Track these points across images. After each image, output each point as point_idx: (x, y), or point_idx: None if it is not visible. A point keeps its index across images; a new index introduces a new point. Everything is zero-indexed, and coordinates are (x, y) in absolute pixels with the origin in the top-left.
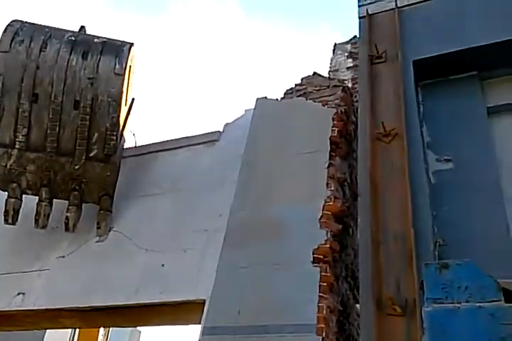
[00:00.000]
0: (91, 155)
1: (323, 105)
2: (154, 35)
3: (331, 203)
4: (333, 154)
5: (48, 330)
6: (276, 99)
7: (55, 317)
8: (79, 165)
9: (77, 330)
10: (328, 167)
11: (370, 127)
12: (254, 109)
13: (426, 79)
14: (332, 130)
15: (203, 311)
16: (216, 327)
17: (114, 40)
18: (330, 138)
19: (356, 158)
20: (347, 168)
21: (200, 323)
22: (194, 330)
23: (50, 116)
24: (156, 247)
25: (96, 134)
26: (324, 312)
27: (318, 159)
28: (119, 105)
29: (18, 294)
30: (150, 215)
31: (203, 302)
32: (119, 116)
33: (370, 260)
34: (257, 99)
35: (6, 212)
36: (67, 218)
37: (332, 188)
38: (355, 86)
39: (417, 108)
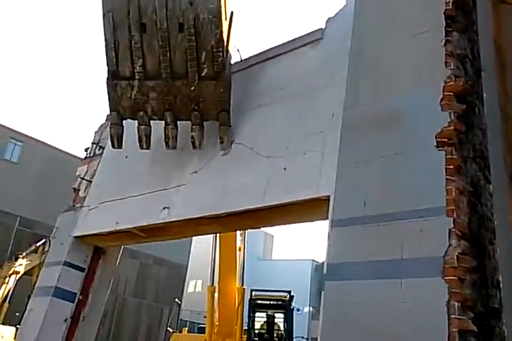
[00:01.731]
0: (202, 74)
1: None
2: None
3: (451, 83)
4: (450, 29)
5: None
6: None
7: (196, 226)
8: (193, 86)
9: (218, 239)
10: (445, 44)
11: None
12: None
13: None
14: (446, 3)
15: (328, 206)
16: (343, 219)
17: None
18: (444, 13)
19: (477, 31)
20: (467, 42)
21: (326, 219)
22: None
23: (160, 43)
24: (277, 153)
25: (204, 53)
26: (453, 194)
27: (433, 38)
28: (220, 20)
29: (164, 208)
30: (266, 124)
31: (328, 199)
32: (222, 32)
33: (501, 137)
34: None
35: (140, 138)
36: (192, 137)
37: (452, 67)
38: None
39: None
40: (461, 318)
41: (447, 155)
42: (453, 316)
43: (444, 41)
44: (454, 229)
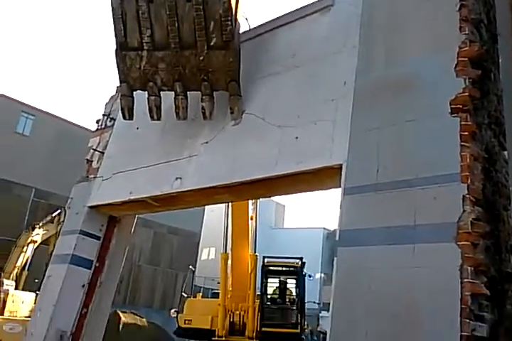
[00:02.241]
0: (211, 44)
1: None
2: None
3: (466, 48)
4: None
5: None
6: None
7: (209, 195)
8: (202, 56)
9: (230, 208)
10: (460, 9)
11: None
12: None
13: None
14: None
15: (340, 175)
16: (356, 186)
17: None
18: None
19: None
20: (482, 7)
21: (338, 187)
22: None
23: (167, 12)
24: (288, 123)
25: (212, 23)
26: (468, 160)
27: (447, 3)
28: None
29: (176, 179)
30: (276, 93)
31: (340, 167)
32: (229, 1)
33: None
34: None
35: (150, 109)
36: (203, 108)
37: (466, 32)
38: None
39: None
40: (474, 282)
41: (462, 121)
42: (466, 280)
43: (458, 5)
44: (468, 195)
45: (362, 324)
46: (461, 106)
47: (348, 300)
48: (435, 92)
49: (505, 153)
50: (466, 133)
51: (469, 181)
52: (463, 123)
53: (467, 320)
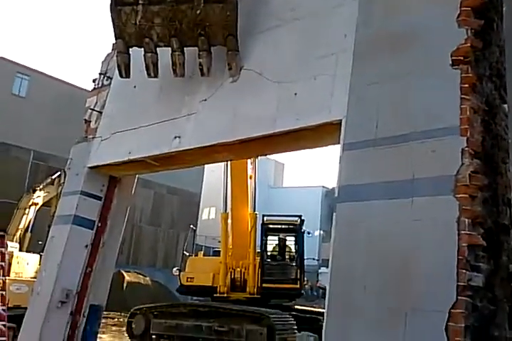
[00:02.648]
0: None
1: None
2: None
3: None
4: None
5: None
6: None
7: (208, 153)
8: (199, 10)
9: (229, 167)
10: None
11: None
12: None
13: None
14: None
15: (340, 131)
16: (355, 142)
17: None
18: None
19: None
20: None
21: (337, 143)
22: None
23: None
24: (287, 78)
25: None
26: (468, 113)
27: None
28: None
29: (175, 137)
30: (275, 48)
31: (339, 123)
32: None
33: None
34: None
35: (147, 66)
36: (200, 64)
37: None
38: None
39: None
40: (471, 234)
41: (462, 73)
42: (463, 232)
43: None
44: (467, 148)
45: (361, 277)
46: (462, 58)
47: (347, 254)
48: (436, 44)
49: (505, 106)
50: (466, 85)
51: (469, 134)
52: (463, 75)
53: (463, 271)
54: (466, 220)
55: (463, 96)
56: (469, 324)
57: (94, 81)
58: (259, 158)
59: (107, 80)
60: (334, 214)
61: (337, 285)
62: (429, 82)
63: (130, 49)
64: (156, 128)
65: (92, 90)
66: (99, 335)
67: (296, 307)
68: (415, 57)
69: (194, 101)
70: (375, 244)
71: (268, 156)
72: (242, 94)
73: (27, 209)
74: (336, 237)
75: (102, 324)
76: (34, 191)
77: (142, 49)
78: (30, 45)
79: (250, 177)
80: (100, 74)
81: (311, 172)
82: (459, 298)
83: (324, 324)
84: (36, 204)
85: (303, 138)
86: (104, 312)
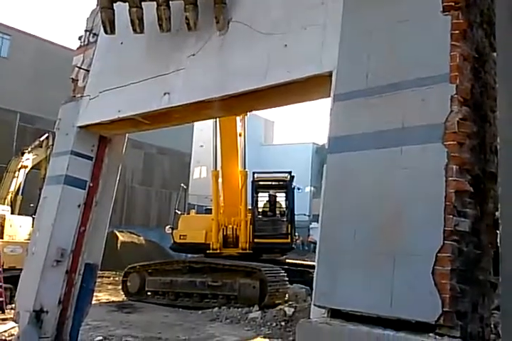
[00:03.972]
0: None
1: None
2: None
3: None
4: None
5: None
6: None
7: (198, 110)
8: None
9: (218, 125)
10: None
11: None
12: None
13: None
14: None
15: (330, 83)
16: (346, 92)
17: None
18: None
19: None
20: None
21: (328, 96)
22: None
23: None
24: (276, 30)
25: None
26: (457, 60)
27: None
28: None
29: (164, 94)
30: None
31: (330, 74)
32: None
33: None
34: None
35: (132, 21)
36: (186, 18)
37: None
38: None
39: None
40: (459, 180)
41: (453, 19)
42: (451, 178)
43: None
44: (456, 96)
45: (351, 225)
46: (453, 4)
47: (338, 203)
48: None
49: (495, 54)
50: (456, 31)
51: (458, 81)
52: (454, 21)
53: (451, 216)
54: (454, 167)
55: (453, 43)
56: (455, 267)
57: (80, 38)
58: (248, 115)
59: (93, 37)
60: (325, 165)
61: (328, 232)
62: (419, 30)
63: (114, 4)
64: (144, 86)
65: (78, 48)
66: (95, 294)
67: (287, 261)
68: (406, 4)
69: (182, 56)
70: (365, 191)
71: (258, 114)
72: (231, 48)
73: (16, 172)
74: (326, 187)
75: (97, 283)
76: (22, 154)
77: (127, 4)
78: (9, 3)
79: (240, 135)
80: (86, 31)
81: (301, 129)
82: (446, 242)
83: (315, 271)
84: (25, 167)
85: (293, 92)
86: (100, 272)
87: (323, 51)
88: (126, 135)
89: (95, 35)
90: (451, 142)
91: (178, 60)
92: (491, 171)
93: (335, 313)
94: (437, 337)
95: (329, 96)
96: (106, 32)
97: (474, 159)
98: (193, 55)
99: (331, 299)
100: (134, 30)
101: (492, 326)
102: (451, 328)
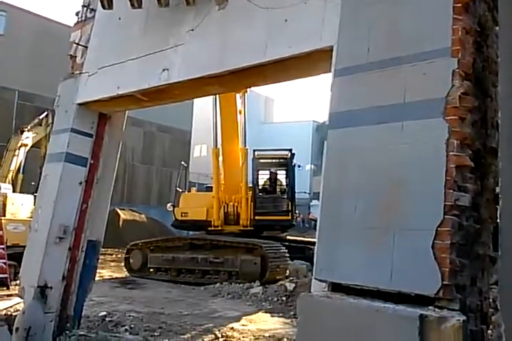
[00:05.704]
0: None
1: None
2: None
3: None
4: None
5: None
6: None
7: (197, 86)
8: None
9: (218, 102)
10: None
11: None
12: None
13: None
14: None
15: (331, 58)
16: (347, 67)
17: None
18: None
19: None
20: None
21: (328, 72)
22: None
23: None
24: (276, 4)
25: None
26: (459, 33)
27: None
28: None
29: (163, 70)
30: None
31: (331, 49)
32: None
33: None
34: None
35: None
36: None
37: None
38: None
39: None
40: (460, 155)
41: None
42: (451, 153)
43: None
44: (457, 70)
45: (351, 200)
46: None
47: (338, 178)
48: None
49: (497, 28)
50: (459, 4)
51: (460, 55)
52: None
53: (451, 191)
54: (455, 142)
55: (455, 16)
56: (455, 241)
57: (77, 14)
58: (248, 92)
59: (90, 13)
60: (325, 142)
61: (328, 207)
62: (421, 3)
63: None
64: (143, 62)
65: (75, 24)
66: (98, 270)
67: (288, 238)
68: None
69: (181, 31)
70: (365, 167)
71: (258, 92)
72: (231, 23)
73: (17, 151)
74: (327, 162)
75: (100, 260)
76: (22, 132)
77: None
78: None
79: (240, 112)
80: (83, 6)
81: (301, 107)
82: (446, 216)
83: (316, 245)
84: (25, 145)
85: (294, 67)
86: (102, 249)
87: (324, 25)
88: (126, 112)
89: (93, 10)
90: (453, 117)
91: (177, 36)
92: (491, 146)
93: (335, 287)
94: (436, 309)
95: (330, 71)
96: (103, 7)
97: (475, 134)
98: (192, 30)
99: (331, 273)
100: (132, 5)
101: (491, 300)
102: (450, 301)
